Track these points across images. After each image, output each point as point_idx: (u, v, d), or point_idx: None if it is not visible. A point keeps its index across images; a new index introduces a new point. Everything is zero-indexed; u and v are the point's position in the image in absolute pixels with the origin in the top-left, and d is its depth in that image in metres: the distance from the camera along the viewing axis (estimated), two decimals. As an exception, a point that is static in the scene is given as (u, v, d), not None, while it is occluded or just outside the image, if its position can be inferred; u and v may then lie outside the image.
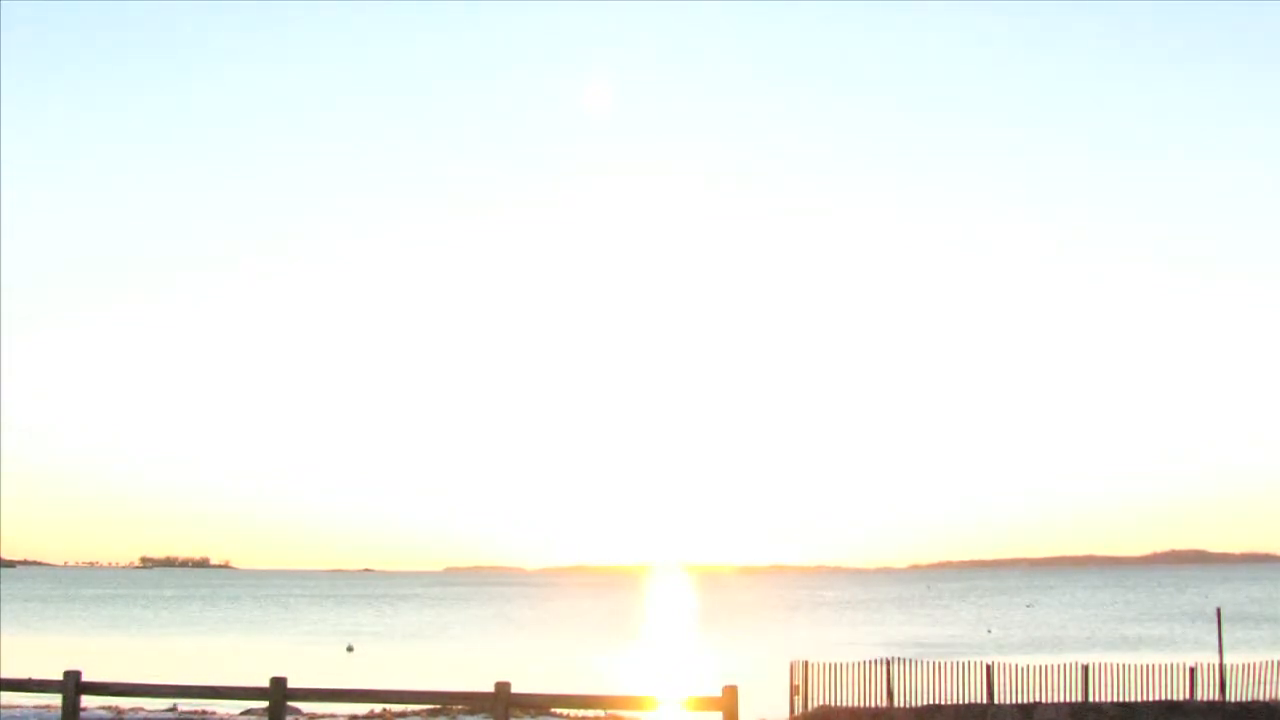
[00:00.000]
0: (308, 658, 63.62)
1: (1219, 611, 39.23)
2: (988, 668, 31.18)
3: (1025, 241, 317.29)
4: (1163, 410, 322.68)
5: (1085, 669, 31.31)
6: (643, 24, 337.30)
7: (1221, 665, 31.68)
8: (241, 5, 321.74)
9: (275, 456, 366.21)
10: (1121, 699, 30.91)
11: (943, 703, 30.76)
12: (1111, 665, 32.17)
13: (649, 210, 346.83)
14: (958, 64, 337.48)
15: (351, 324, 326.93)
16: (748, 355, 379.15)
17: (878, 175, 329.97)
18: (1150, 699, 30.97)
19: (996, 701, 30.75)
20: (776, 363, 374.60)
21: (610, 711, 27.58)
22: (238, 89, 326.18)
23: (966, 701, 30.74)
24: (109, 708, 29.92)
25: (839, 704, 30.88)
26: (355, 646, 71.68)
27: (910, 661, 32.44)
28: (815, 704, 30.98)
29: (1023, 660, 37.12)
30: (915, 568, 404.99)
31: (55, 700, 16.43)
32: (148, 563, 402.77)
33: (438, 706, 30.83)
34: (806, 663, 31.54)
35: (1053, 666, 32.04)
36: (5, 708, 29.91)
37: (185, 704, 31.75)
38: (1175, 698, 31.10)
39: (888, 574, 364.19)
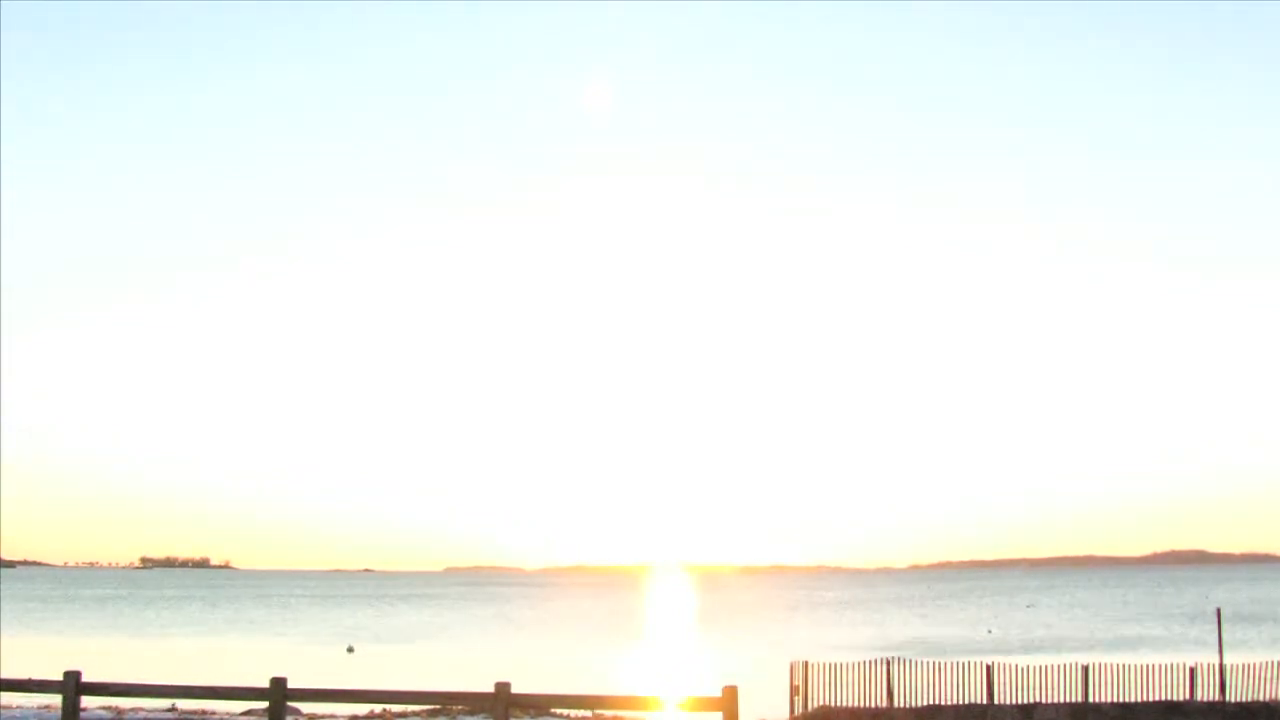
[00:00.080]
0: (308, 658, 63.62)
1: (1219, 612, 39.22)
2: (988, 668, 31.18)
3: (1025, 241, 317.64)
4: (1163, 410, 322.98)
5: (1085, 669, 31.31)
6: (643, 24, 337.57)
7: (1221, 665, 31.68)
8: (241, 5, 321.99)
9: (275, 456, 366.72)
10: (1121, 699, 30.91)
11: (943, 703, 30.77)
12: (1111, 665, 32.17)
13: (649, 210, 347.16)
14: (958, 64, 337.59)
15: (351, 324, 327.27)
16: (748, 355, 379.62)
17: (878, 175, 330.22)
18: (1150, 699, 30.98)
19: (996, 702, 30.75)
20: (776, 363, 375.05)
21: (610, 712, 27.59)
22: (238, 89, 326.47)
23: (966, 702, 30.75)
24: (109, 708, 29.92)
25: (839, 704, 30.88)
26: (355, 646, 71.69)
27: (910, 661, 32.46)
28: (815, 704, 30.99)
29: (1023, 660, 37.12)
30: (915, 568, 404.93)
31: (55, 700, 16.46)
32: (148, 563, 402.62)
33: (438, 706, 30.84)
34: (806, 663, 31.54)
35: (1053, 667, 32.04)
36: (5, 708, 29.93)
37: (185, 704, 31.74)
38: (1175, 698, 31.11)
39: (888, 574, 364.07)
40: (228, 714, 32.45)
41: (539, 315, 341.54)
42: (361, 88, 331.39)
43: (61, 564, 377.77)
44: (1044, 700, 30.87)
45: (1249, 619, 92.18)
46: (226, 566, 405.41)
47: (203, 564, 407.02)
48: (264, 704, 14.86)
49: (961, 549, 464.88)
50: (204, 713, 32.63)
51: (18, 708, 30.16)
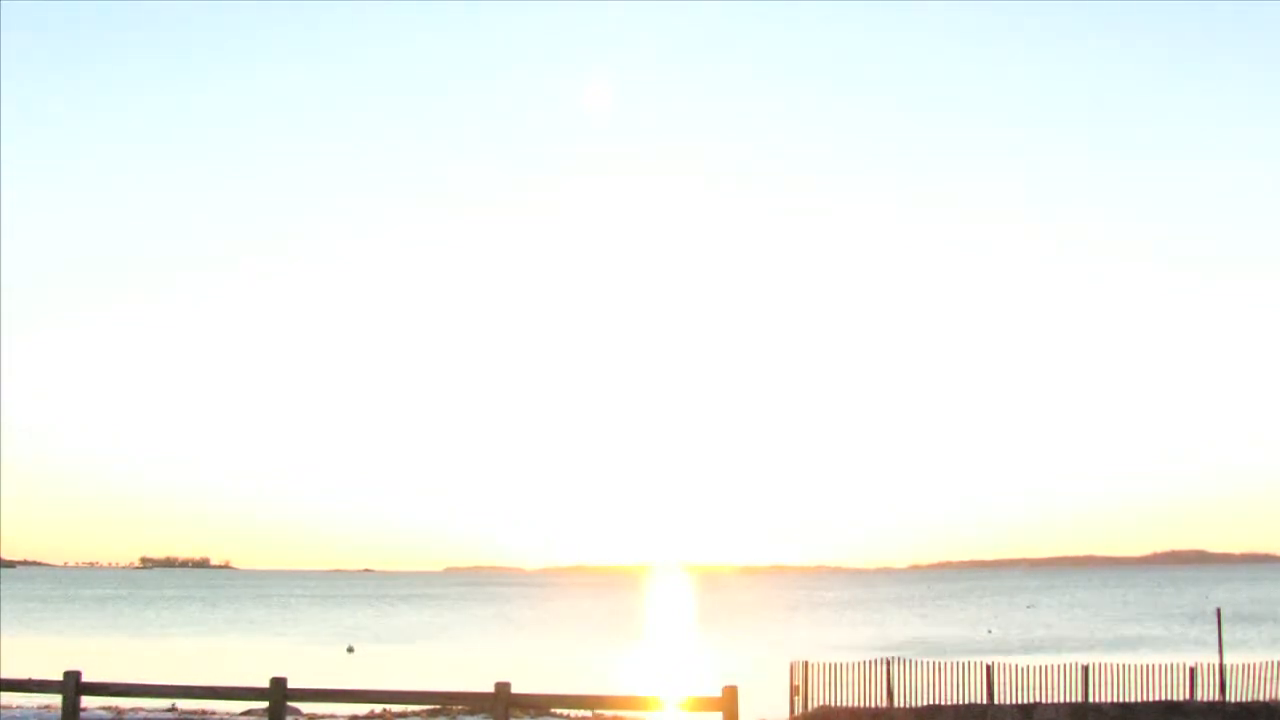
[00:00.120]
0: (308, 658, 63.63)
1: (1219, 612, 39.22)
2: (988, 668, 31.18)
3: (1025, 241, 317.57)
4: (1163, 410, 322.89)
5: (1085, 669, 31.31)
6: (643, 24, 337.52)
7: (1221, 665, 31.68)
8: (241, 5, 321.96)
9: (275, 456, 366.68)
10: (1121, 699, 30.91)
11: (943, 703, 30.77)
12: (1111, 665, 32.17)
13: (649, 210, 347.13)
14: (958, 64, 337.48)
15: (351, 324, 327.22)
16: (747, 355, 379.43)
17: (878, 175, 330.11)
18: (1150, 699, 30.98)
19: (996, 702, 30.75)
20: (776, 363, 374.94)
21: (610, 712, 27.59)
22: (238, 89, 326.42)
23: (966, 702, 30.75)
24: (109, 708, 29.92)
25: (839, 704, 30.88)
26: (355, 646, 71.69)
27: (910, 661, 32.45)
28: (815, 704, 30.99)
29: (1023, 660, 37.11)
30: (915, 568, 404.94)
31: (55, 700, 16.45)
32: (148, 563, 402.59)
33: (438, 706, 30.85)
34: (806, 663, 31.54)
35: (1053, 667, 32.04)
36: (5, 708, 29.93)
37: (185, 704, 31.74)
38: (1175, 698, 31.11)
39: (888, 574, 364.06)
40: (228, 714, 32.46)
41: (539, 315, 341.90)
42: (361, 88, 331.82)
43: (61, 564, 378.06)
44: (1044, 700, 30.87)
45: (1249, 619, 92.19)
46: (226, 566, 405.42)
47: (203, 564, 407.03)
48: (264, 704, 14.86)
49: (961, 549, 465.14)
50: (204, 713, 32.63)
51: (18, 708, 30.16)
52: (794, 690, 31.38)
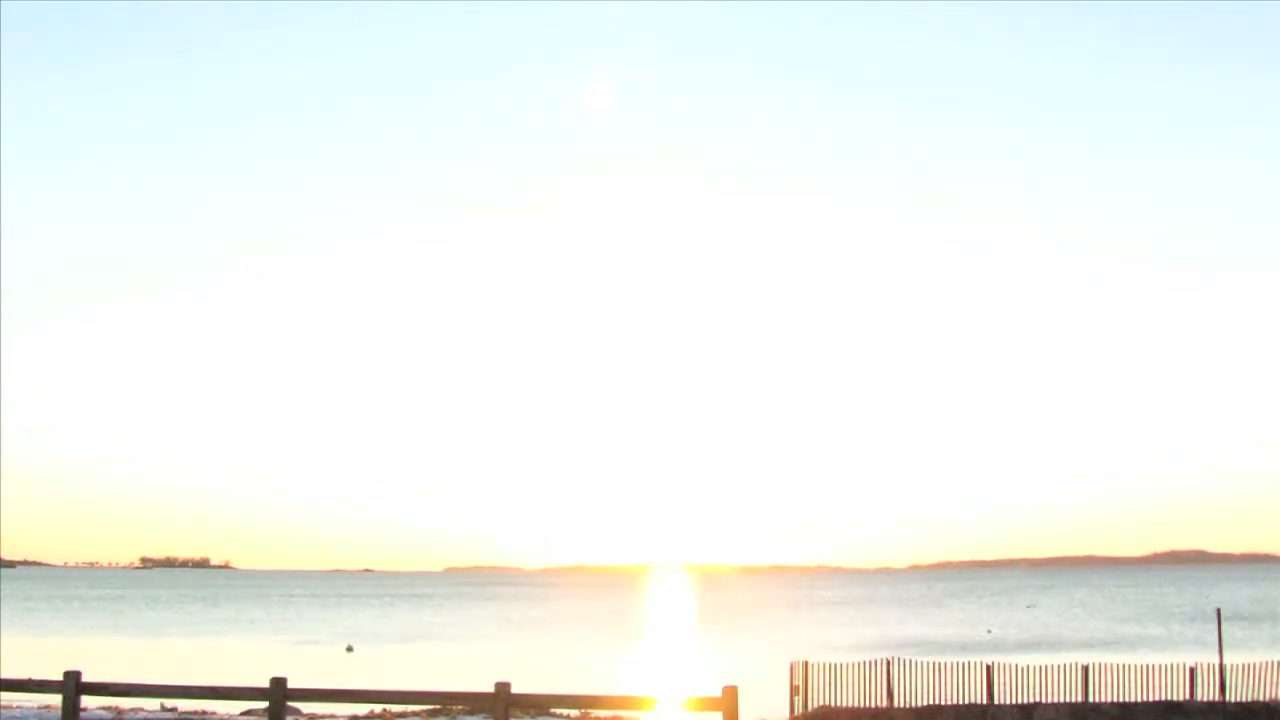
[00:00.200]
0: (308, 658, 63.64)
1: (1219, 612, 39.19)
2: (988, 668, 31.18)
3: (1025, 241, 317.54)
4: (1163, 410, 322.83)
5: (1085, 669, 31.32)
6: (643, 24, 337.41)
7: (1221, 665, 31.68)
8: (241, 5, 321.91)
9: (275, 456, 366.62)
10: (1121, 699, 30.92)
11: (943, 703, 30.77)
12: (1111, 665, 32.18)
13: (649, 210, 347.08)
14: (958, 64, 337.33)
15: (351, 324, 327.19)
16: (747, 355, 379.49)
17: (878, 175, 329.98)
18: (1150, 699, 30.98)
19: (996, 701, 30.76)
20: (776, 363, 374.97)
21: (610, 712, 27.60)
22: (238, 89, 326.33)
23: (966, 702, 30.75)
24: (109, 708, 29.93)
25: (839, 704, 30.88)
26: (355, 646, 71.70)
27: (910, 661, 32.43)
28: (815, 704, 30.98)
29: (1023, 660, 37.08)
30: (915, 568, 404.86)
31: (55, 700, 16.45)
32: (148, 563, 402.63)
33: (438, 706, 30.85)
34: (806, 663, 31.53)
35: (1053, 667, 32.04)
36: (5, 708, 29.93)
37: (185, 704, 31.77)
38: (1175, 698, 31.12)
39: (888, 574, 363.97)
40: (228, 714, 32.48)
41: (539, 315, 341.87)
42: (361, 88, 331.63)
43: (61, 564, 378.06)
44: (1044, 700, 30.87)
45: (1249, 619, 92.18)
46: (226, 566, 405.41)
47: (203, 564, 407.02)
48: (264, 704, 14.86)
49: (961, 549, 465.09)
50: (204, 713, 32.64)
51: (18, 708, 30.17)
52: (794, 690, 31.37)
